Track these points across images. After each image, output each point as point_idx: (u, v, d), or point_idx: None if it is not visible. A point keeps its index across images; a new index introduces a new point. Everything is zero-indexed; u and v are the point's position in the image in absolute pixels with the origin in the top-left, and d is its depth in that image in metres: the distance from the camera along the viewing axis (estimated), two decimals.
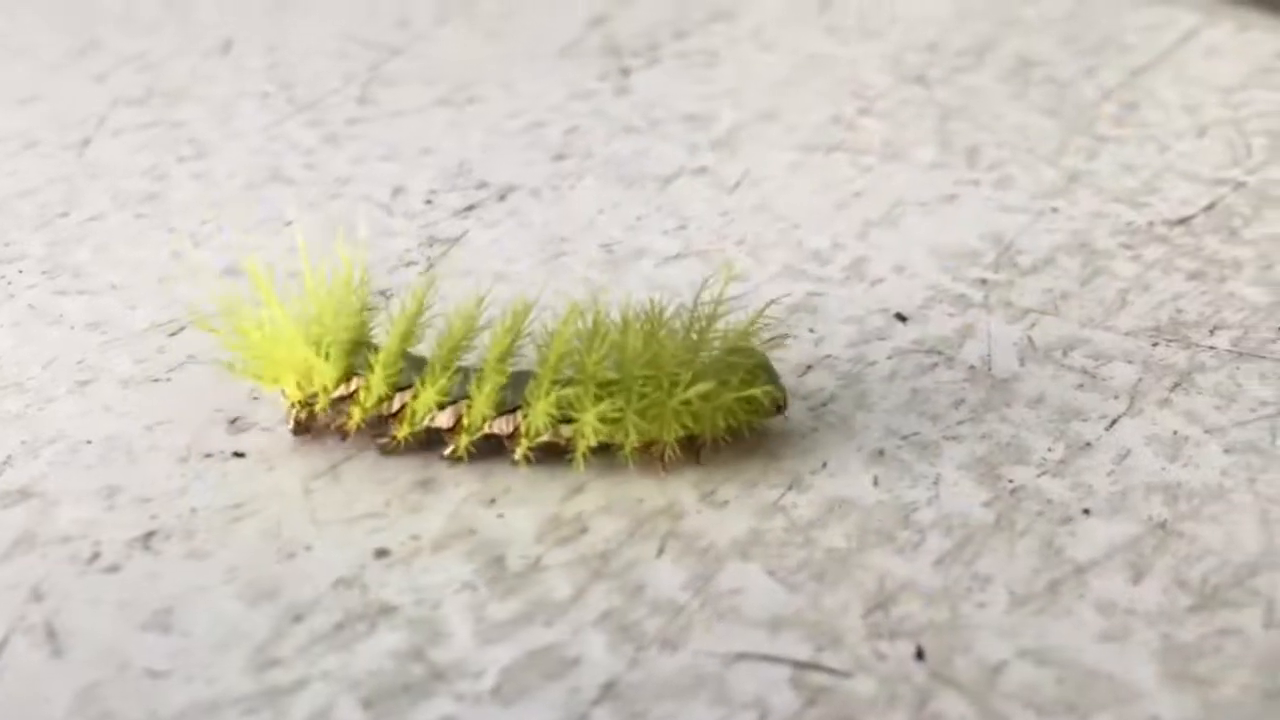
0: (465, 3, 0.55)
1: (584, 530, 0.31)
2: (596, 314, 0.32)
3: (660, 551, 0.31)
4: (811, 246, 0.41)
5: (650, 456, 0.32)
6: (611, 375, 0.31)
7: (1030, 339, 0.37)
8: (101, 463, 0.33)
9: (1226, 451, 0.33)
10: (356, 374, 0.32)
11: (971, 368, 0.36)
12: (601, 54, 0.51)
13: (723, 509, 0.32)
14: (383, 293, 0.39)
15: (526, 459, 0.32)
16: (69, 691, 0.28)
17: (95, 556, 0.31)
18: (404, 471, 0.33)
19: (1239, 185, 0.43)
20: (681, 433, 0.31)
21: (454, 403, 0.32)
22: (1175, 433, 0.34)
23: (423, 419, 0.32)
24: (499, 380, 0.32)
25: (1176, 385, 0.35)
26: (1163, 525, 0.31)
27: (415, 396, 0.32)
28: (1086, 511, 0.32)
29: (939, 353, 0.36)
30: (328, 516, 0.32)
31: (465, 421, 0.32)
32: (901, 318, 0.37)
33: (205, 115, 0.48)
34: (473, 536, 0.31)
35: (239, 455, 0.33)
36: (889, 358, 0.36)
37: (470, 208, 0.43)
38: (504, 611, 0.29)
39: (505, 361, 0.32)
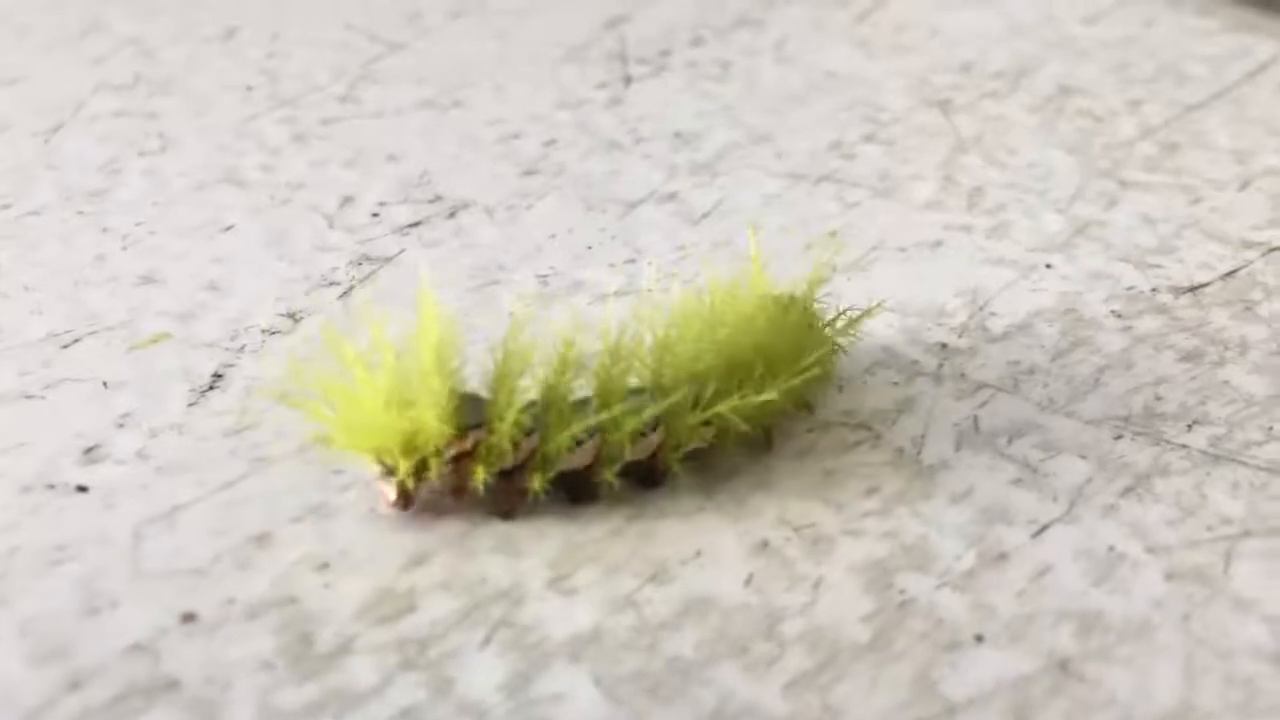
0: None
1: (411, 609, 0.28)
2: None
3: (486, 642, 0.27)
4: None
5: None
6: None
7: (976, 420, 0.32)
8: None
9: (1167, 577, 0.28)
10: (469, 430, 0.29)
11: (899, 450, 0.32)
12: (608, 59, 0.48)
13: (570, 597, 0.28)
14: (292, 315, 0.36)
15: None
16: None
17: None
18: (245, 522, 0.30)
19: (1270, 250, 0.38)
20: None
21: (590, 437, 0.29)
22: (1111, 549, 0.29)
23: (557, 461, 0.29)
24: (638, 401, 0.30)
25: (1129, 489, 0.30)
26: (1063, 665, 0.27)
27: (545, 438, 0.29)
28: (979, 638, 0.27)
29: (868, 428, 0.32)
30: (150, 568, 0.29)
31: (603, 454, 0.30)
32: (837, 386, 0.33)
33: (182, 106, 0.46)
34: (291, 606, 0.28)
35: (82, 489, 0.31)
36: (809, 430, 0.32)
37: (415, 224, 0.40)
38: (295, 700, 0.26)
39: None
